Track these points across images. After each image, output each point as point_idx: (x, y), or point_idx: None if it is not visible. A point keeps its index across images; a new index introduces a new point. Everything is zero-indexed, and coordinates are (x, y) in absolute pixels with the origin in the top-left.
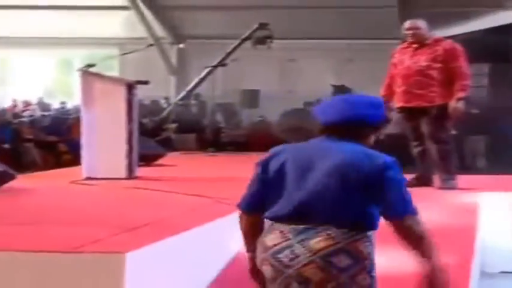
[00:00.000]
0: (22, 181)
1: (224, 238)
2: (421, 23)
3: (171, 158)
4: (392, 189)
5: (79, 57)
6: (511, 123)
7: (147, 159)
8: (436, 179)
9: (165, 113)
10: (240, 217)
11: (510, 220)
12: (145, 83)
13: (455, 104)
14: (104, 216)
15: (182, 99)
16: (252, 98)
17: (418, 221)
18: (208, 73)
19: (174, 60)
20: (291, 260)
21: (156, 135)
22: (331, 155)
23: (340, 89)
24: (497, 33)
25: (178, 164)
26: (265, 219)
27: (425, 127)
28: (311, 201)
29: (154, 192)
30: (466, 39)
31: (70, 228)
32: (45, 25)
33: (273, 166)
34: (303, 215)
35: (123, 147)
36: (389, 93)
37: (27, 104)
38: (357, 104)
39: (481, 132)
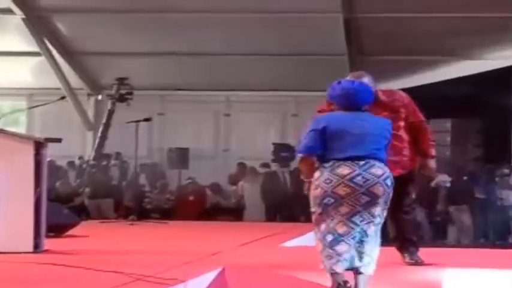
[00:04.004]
0: None
1: None
2: (367, 79)
3: (85, 227)
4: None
5: None
6: None
7: (58, 230)
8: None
9: (79, 176)
10: (301, 159)
11: None
12: (58, 140)
13: (429, 164)
14: None
15: (96, 159)
16: (180, 157)
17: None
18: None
19: (91, 113)
20: (364, 182)
21: (69, 201)
22: (364, 119)
23: (282, 148)
24: (455, 85)
25: (93, 235)
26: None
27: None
28: (363, 147)
29: (65, 268)
30: (424, 92)
31: None
32: None
33: (328, 127)
34: (358, 155)
35: (29, 216)
36: None
37: None
38: (368, 93)
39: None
